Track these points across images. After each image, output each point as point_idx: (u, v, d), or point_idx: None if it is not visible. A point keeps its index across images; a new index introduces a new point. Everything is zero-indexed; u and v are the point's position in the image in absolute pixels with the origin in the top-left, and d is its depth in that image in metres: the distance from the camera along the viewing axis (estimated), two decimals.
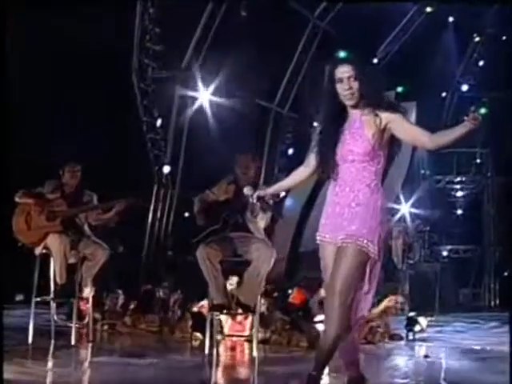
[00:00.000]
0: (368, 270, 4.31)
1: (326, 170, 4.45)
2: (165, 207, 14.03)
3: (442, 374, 6.21)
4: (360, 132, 4.34)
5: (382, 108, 4.36)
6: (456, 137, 4.14)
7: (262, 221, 6.92)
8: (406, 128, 4.34)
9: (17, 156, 8.80)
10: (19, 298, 10.60)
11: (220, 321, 7.87)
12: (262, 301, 8.61)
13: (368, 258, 4.27)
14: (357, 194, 4.32)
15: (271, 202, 4.96)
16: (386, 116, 4.33)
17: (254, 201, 4.69)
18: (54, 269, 7.10)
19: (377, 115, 4.34)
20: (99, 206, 7.25)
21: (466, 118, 4.06)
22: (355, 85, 4.33)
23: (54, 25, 10.73)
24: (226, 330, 7.94)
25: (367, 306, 4.45)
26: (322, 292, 8.64)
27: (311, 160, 4.59)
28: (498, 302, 15.89)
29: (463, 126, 4.08)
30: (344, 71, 4.35)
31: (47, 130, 11.07)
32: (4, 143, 6.58)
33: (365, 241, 4.24)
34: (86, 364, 6.41)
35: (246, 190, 4.72)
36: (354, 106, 4.40)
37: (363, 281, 4.31)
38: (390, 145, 4.40)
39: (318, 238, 4.49)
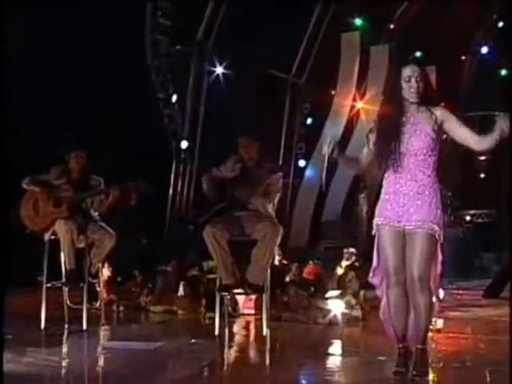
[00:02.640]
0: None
1: (386, 162, 4.82)
2: (184, 182, 14.08)
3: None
4: (420, 127, 4.80)
5: (435, 106, 4.84)
6: (496, 138, 4.62)
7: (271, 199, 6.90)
8: (457, 128, 4.81)
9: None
10: (41, 278, 10.65)
11: (235, 299, 7.90)
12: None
13: (436, 241, 4.77)
14: (421, 184, 4.78)
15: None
16: (440, 114, 4.81)
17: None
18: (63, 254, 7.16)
19: (432, 112, 4.82)
20: (104, 191, 7.25)
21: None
22: (420, 84, 4.78)
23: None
24: (240, 309, 8.00)
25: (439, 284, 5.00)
26: None
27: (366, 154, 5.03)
28: None
29: (496, 129, 4.58)
30: (414, 70, 4.81)
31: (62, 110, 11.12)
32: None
33: (435, 227, 4.72)
34: (98, 349, 6.44)
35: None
36: (412, 103, 4.83)
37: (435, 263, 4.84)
38: (442, 140, 4.89)
39: (377, 222, 4.90)
